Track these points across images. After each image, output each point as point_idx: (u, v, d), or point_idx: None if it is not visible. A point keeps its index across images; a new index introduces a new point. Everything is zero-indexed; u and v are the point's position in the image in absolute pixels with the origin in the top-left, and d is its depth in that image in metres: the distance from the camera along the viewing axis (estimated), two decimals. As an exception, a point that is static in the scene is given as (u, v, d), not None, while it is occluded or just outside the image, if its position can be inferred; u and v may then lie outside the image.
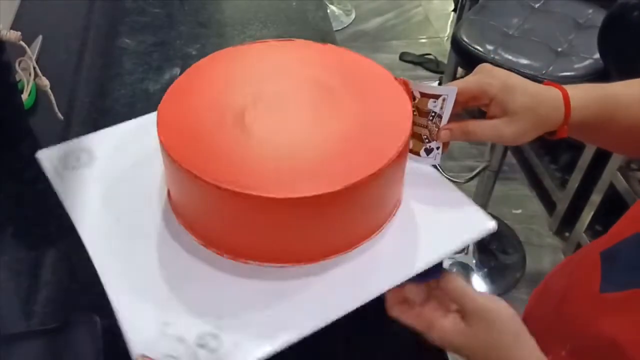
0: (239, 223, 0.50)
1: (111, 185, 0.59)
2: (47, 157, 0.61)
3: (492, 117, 0.56)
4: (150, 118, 0.65)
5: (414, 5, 2.88)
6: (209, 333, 0.47)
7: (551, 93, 0.56)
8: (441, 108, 0.56)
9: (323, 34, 1.08)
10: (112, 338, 0.59)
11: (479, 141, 0.57)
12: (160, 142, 0.51)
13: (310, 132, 0.52)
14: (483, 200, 1.67)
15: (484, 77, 0.55)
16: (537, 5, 1.68)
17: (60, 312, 0.62)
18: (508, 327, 0.48)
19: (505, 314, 0.48)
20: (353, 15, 2.78)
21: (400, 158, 0.51)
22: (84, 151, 0.62)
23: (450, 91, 0.55)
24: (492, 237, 1.80)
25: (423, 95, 0.57)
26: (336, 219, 0.50)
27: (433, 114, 0.57)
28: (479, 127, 0.56)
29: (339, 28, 2.68)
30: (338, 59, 0.61)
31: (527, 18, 1.63)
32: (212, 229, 0.53)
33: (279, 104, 0.55)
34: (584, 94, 0.56)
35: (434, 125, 0.57)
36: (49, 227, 0.72)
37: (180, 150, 0.49)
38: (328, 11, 2.06)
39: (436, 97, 0.56)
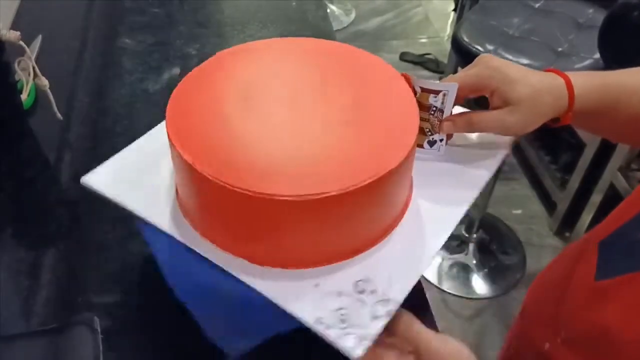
0: (250, 225, 0.50)
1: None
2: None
3: (495, 108, 0.56)
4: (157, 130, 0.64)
5: (414, 5, 2.87)
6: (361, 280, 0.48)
7: (553, 81, 0.55)
8: (442, 103, 0.56)
9: (323, 34, 1.08)
10: (112, 339, 0.59)
11: (483, 132, 0.57)
12: (172, 144, 0.50)
13: (319, 132, 0.51)
14: (483, 200, 1.67)
15: (484, 69, 0.55)
16: (537, 5, 1.68)
17: (60, 312, 0.62)
18: None
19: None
20: (353, 15, 2.78)
21: (409, 157, 0.51)
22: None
23: (451, 87, 0.55)
24: (492, 237, 1.79)
25: (424, 90, 0.57)
26: (349, 219, 0.49)
27: (434, 109, 0.57)
28: (483, 117, 0.56)
29: (339, 28, 2.68)
30: (344, 57, 0.61)
31: (528, 18, 1.62)
32: (222, 231, 0.53)
33: (287, 103, 0.54)
34: (586, 82, 0.56)
35: (436, 119, 0.57)
36: (49, 227, 0.72)
37: (193, 154, 0.49)
38: (328, 11, 2.06)
39: (437, 92, 0.56)
